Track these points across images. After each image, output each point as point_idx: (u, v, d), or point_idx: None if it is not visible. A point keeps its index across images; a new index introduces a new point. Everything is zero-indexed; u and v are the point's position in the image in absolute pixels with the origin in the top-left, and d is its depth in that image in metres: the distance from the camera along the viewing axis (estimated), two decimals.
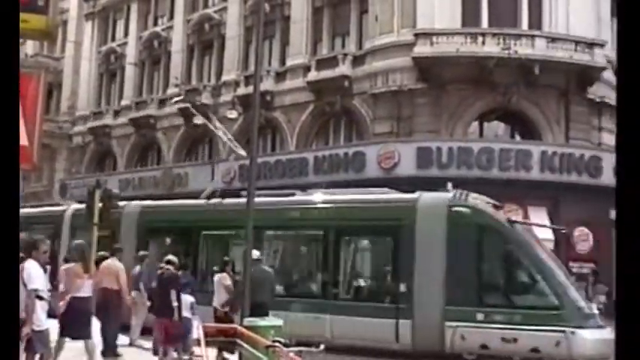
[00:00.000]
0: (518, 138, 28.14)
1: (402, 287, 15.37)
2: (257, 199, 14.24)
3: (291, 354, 9.63)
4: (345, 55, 29.75)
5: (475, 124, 27.95)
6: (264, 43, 32.41)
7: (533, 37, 26.65)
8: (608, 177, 25.48)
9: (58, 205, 25.96)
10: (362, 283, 17.35)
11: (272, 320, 11.47)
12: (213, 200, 19.26)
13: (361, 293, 16.93)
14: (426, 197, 16.14)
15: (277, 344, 9.66)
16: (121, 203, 18.53)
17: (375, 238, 17.77)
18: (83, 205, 17.73)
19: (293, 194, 18.51)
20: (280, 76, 32.53)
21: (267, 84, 31.45)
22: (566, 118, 27.57)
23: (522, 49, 26.09)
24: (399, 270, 15.90)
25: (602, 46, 27.21)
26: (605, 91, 28.21)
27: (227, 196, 19.28)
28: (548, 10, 28.12)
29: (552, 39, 26.74)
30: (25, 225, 17.68)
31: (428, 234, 15.44)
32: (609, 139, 28.62)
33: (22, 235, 7.47)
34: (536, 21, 28.02)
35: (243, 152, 23.25)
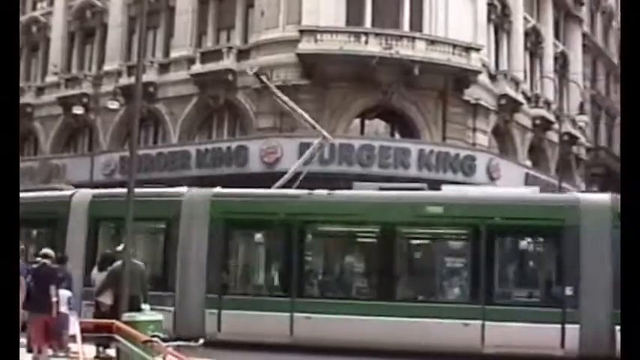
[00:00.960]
0: (397, 136, 28.93)
1: (569, 291, 14.53)
2: (387, 193, 14.46)
3: (170, 349, 9.61)
4: (230, 48, 29.67)
5: (357, 122, 28.54)
6: (148, 33, 31.90)
7: (413, 38, 27.45)
8: (480, 176, 26.71)
9: (49, 189, 21.02)
10: (519, 286, 16.07)
11: (151, 315, 11.25)
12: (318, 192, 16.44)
13: (520, 297, 15.64)
14: (588, 198, 15.92)
15: (155, 339, 9.60)
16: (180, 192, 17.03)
17: (534, 239, 16.29)
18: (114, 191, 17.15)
19: (422, 189, 16.96)
20: (164, 68, 32.04)
21: (150, 75, 30.93)
22: (443, 119, 28.58)
23: (403, 50, 26.83)
24: (564, 273, 14.94)
25: (478, 50, 28.37)
26: (480, 93, 29.50)
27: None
28: (428, 14, 29.02)
29: (432, 41, 27.65)
30: None
31: (593, 235, 14.62)
32: (483, 139, 29.95)
33: None
34: (417, 23, 28.83)
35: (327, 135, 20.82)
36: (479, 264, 15.12)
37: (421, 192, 16.60)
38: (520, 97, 32.63)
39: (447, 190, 16.66)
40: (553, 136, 35.50)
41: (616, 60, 49.97)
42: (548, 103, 35.74)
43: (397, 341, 14.19)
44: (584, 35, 43.20)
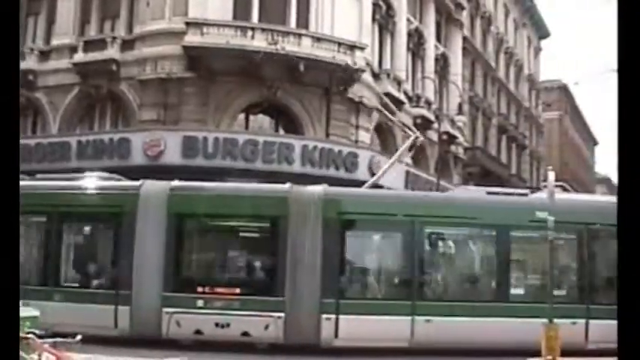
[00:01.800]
0: (282, 132, 29.16)
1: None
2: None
3: (46, 345, 9.45)
4: (114, 38, 29.05)
5: (241, 116, 28.56)
6: (29, 19, 30.99)
7: (300, 35, 27.73)
8: (362, 172, 27.28)
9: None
10: None
11: (27, 311, 10.97)
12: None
13: None
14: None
15: (31, 336, 9.41)
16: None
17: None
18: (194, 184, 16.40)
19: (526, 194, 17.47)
20: (44, 55, 30.99)
21: (30, 62, 29.98)
22: (327, 115, 29.04)
23: (289, 46, 27.07)
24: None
25: (362, 49, 29.00)
26: (363, 91, 30.16)
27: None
28: (314, 11, 29.44)
29: (318, 39, 28.01)
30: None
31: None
32: (365, 136, 30.64)
33: None
34: (303, 20, 29.21)
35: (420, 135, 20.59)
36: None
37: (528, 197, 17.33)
38: (402, 96, 33.58)
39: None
40: (433, 135, 36.71)
41: (493, 63, 52.20)
42: (428, 103, 37.01)
43: (517, 341, 14.15)
44: (464, 38, 44.92)
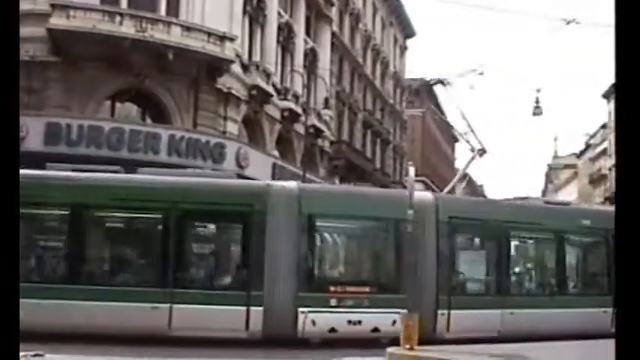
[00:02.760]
0: (149, 121, 28.84)
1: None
2: None
3: None
4: None
5: (107, 104, 28.03)
6: None
7: (169, 23, 27.48)
8: (230, 163, 27.43)
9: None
10: None
11: None
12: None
13: None
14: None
15: None
16: None
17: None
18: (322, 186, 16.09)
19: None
20: None
21: None
22: (195, 106, 28.96)
23: (158, 34, 26.80)
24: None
25: (232, 40, 29.08)
26: (232, 82, 30.29)
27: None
28: (185, 0, 29.25)
29: (187, 28, 27.86)
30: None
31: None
32: (233, 128, 30.80)
33: None
34: (173, 9, 28.99)
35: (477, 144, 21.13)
36: None
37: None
38: (270, 89, 33.94)
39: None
40: (300, 128, 37.33)
41: (361, 59, 53.43)
42: (296, 97, 37.52)
43: None
44: (333, 34, 45.73)
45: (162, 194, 15.54)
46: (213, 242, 17.07)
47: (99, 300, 14.33)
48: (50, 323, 13.63)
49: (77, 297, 14.31)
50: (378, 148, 58.96)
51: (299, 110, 36.89)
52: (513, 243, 18.17)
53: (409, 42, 72.84)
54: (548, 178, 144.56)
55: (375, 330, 15.51)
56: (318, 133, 40.28)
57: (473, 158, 21.09)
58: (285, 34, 37.89)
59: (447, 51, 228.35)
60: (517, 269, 18.40)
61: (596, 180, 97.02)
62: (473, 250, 18.45)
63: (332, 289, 15.60)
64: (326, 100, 40.85)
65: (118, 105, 28.41)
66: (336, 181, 42.05)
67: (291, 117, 36.41)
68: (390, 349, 12.79)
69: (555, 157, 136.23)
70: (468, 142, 21.30)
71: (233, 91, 30.32)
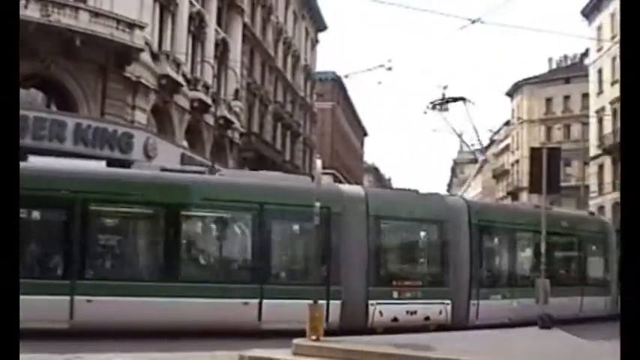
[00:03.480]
0: (54, 108, 28.04)
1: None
2: None
3: None
4: None
5: None
6: None
7: (77, 9, 26.82)
8: (137, 153, 27.06)
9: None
10: None
11: None
12: None
13: None
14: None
15: None
16: None
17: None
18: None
19: None
20: None
21: None
22: (103, 94, 28.38)
23: (65, 19, 26.15)
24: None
25: (142, 28, 28.66)
26: (141, 71, 29.86)
27: None
28: None
29: (96, 14, 27.29)
30: None
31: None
32: (142, 117, 30.40)
33: None
34: None
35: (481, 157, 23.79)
36: None
37: None
38: (180, 79, 33.62)
39: None
40: (210, 119, 37.13)
41: (272, 52, 53.50)
42: (206, 87, 37.28)
43: None
44: (244, 25, 45.59)
45: (252, 196, 16.98)
46: (297, 242, 18.49)
47: (196, 297, 15.39)
48: (151, 320, 14.84)
49: (175, 294, 15.28)
50: (288, 140, 59.20)
51: (209, 101, 36.67)
52: (521, 242, 21.86)
53: (320, 35, 73.38)
54: (454, 173, 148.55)
55: (427, 318, 17.98)
56: (228, 124, 40.16)
57: (481, 168, 26.07)
58: (197, 23, 37.52)
59: (357, 45, 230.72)
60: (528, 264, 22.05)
61: (499, 175, 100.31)
62: (496, 249, 21.47)
63: (394, 283, 17.96)
64: (236, 91, 40.77)
65: (22, 91, 27.49)
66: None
67: (200, 107, 36.16)
68: (295, 341, 13.01)
69: (460, 152, 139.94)
70: (474, 153, 25.30)
71: (142, 80, 29.91)
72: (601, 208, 60.68)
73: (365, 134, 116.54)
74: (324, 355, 12.42)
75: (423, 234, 20.07)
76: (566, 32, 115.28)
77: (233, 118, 40.69)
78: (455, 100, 24.00)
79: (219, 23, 41.52)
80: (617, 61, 61.52)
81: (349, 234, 17.30)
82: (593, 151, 66.17)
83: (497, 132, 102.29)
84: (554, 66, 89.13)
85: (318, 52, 73.84)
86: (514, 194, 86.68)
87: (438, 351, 12.51)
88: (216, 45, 40.38)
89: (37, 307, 13.33)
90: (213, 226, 17.64)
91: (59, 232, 15.80)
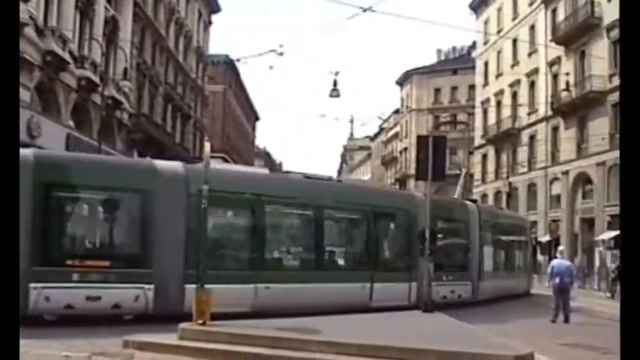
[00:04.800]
0: None
1: None
2: None
3: None
4: None
5: None
6: None
7: None
8: (20, 132, 25.97)
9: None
10: None
11: None
12: None
13: None
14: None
15: None
16: None
17: None
18: None
19: None
20: None
21: None
22: None
23: None
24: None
25: (26, 1, 27.44)
26: (25, 46, 28.47)
27: None
28: None
29: None
30: None
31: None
32: (25, 94, 29.08)
33: None
34: None
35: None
36: None
37: None
38: (67, 56, 32.44)
39: None
40: (97, 99, 36.04)
41: (164, 32, 52.45)
42: (94, 66, 36.11)
43: None
44: (135, 4, 44.43)
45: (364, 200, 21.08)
46: (389, 236, 22.58)
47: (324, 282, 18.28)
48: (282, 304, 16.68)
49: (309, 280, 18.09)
50: (178, 122, 58.32)
51: (97, 80, 35.55)
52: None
53: (214, 18, 72.54)
54: (344, 159, 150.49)
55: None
56: (117, 104, 39.17)
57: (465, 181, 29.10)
58: None
59: (250, 29, 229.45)
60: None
61: (388, 162, 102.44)
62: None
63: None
64: (125, 71, 39.74)
65: None
66: (135, 154, 41.12)
67: (88, 86, 35.04)
68: (181, 325, 12.88)
69: (351, 138, 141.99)
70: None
71: (26, 56, 28.63)
72: (484, 196, 63.13)
73: (257, 118, 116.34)
74: (210, 339, 12.34)
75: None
76: (454, 25, 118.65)
77: (122, 99, 39.71)
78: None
79: (108, 1, 40.30)
80: (502, 54, 63.97)
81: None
82: (478, 141, 68.63)
83: (387, 120, 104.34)
84: (442, 57, 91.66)
85: (211, 35, 73.07)
86: (402, 181, 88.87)
87: (325, 334, 12.64)
88: (106, 22, 39.18)
89: (226, 294, 14.91)
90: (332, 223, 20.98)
91: (246, 232, 18.28)
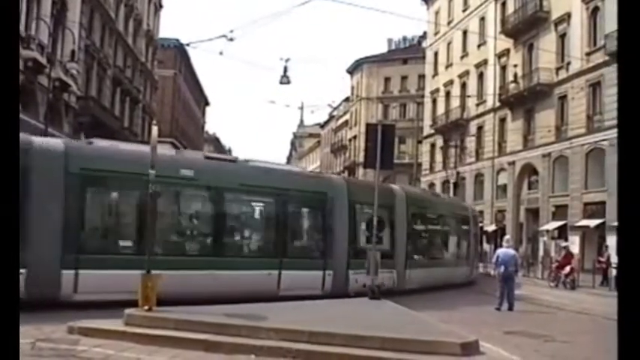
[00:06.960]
0: None
1: None
2: None
3: None
4: None
5: None
6: None
7: None
8: None
9: None
10: None
11: None
12: None
13: None
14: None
15: None
16: None
17: None
18: None
19: None
20: None
21: None
22: None
23: None
24: None
25: None
26: None
27: None
28: None
29: None
30: None
31: None
32: None
33: None
34: None
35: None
36: None
37: None
38: None
39: None
40: (44, 81, 35.32)
41: (113, 14, 51.56)
42: (41, 47, 35.37)
43: None
44: None
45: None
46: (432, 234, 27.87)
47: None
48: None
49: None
50: (127, 106, 57.53)
51: (44, 61, 34.79)
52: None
53: (165, 1, 71.63)
54: (294, 146, 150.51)
55: None
56: (64, 87, 38.42)
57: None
58: None
59: (201, 14, 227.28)
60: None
61: (337, 150, 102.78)
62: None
63: None
64: (73, 52, 39.00)
65: None
66: (82, 137, 40.42)
67: (34, 68, 34.27)
68: (127, 311, 12.70)
69: (301, 125, 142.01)
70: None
71: None
72: (431, 185, 63.85)
73: (207, 104, 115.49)
74: (157, 325, 12.25)
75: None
76: (405, 14, 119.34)
77: (69, 81, 38.96)
78: None
79: None
80: (452, 44, 64.62)
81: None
82: (427, 130, 69.31)
83: (337, 107, 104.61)
84: (393, 47, 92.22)
85: (162, 18, 72.13)
86: (351, 169, 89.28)
87: (270, 320, 12.66)
88: (53, 3, 38.25)
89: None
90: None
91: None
